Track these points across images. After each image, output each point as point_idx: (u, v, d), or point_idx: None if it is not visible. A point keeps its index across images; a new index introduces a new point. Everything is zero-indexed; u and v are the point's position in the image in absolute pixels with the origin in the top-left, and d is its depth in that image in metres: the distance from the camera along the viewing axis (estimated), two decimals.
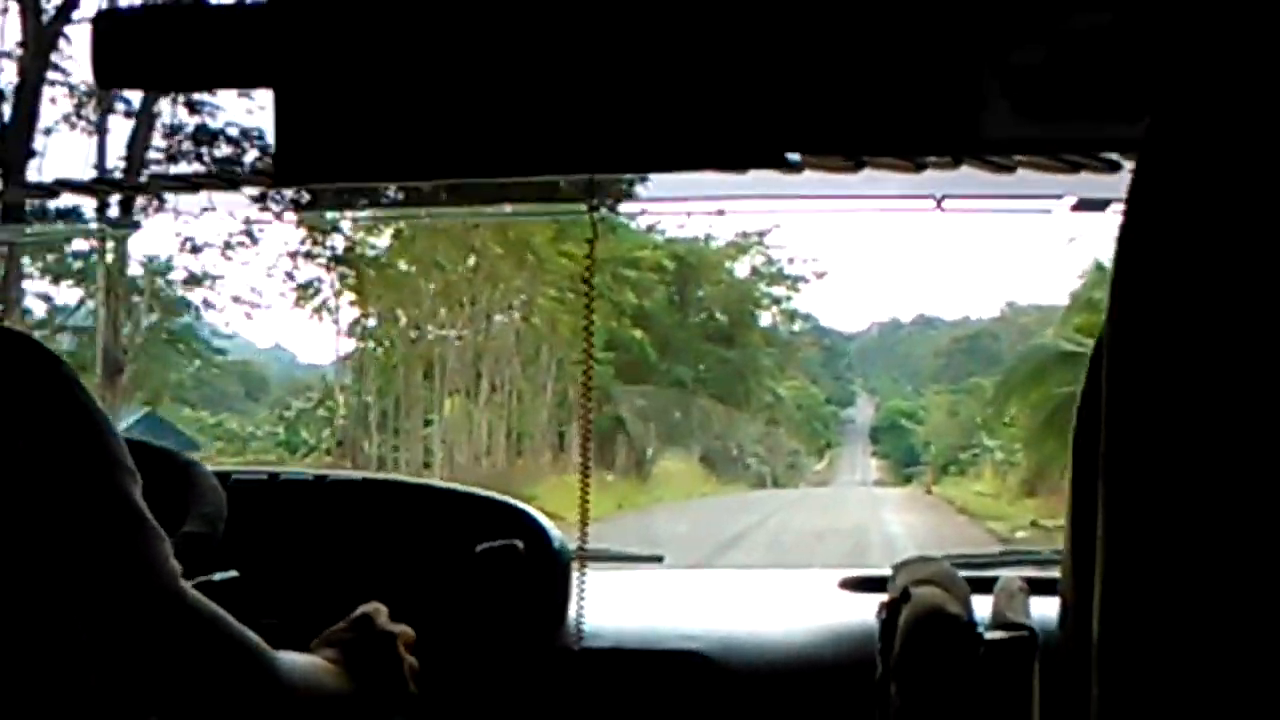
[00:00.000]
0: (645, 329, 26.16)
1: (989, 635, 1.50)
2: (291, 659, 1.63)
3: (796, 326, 34.26)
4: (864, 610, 2.10)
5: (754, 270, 29.61)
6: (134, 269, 20.21)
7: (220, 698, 1.52)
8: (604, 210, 2.02)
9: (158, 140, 17.25)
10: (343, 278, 22.50)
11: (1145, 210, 0.70)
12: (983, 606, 1.61)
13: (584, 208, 1.99)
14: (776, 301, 30.65)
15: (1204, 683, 0.65)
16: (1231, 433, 0.65)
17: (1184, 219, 0.67)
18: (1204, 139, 0.67)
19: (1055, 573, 2.15)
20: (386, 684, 1.78)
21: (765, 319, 30.98)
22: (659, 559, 2.71)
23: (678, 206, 2.31)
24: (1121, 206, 0.73)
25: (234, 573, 2.04)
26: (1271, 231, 0.64)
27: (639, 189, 2.25)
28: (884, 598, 1.76)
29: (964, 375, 33.37)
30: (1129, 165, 1.89)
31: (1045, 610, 1.62)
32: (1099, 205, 2.07)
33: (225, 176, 2.18)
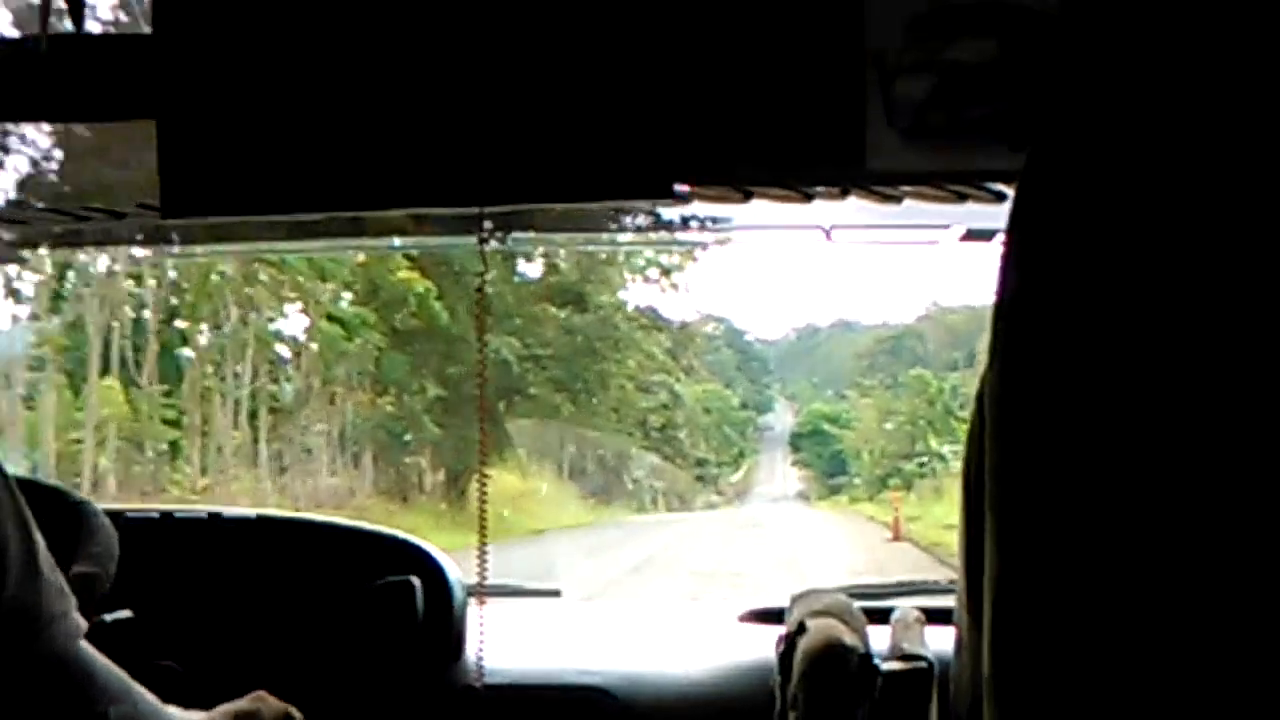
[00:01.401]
0: (432, 276, 17.23)
1: (885, 666, 1.51)
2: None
3: (710, 328, 30.80)
4: (764, 643, 2.10)
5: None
6: None
7: None
8: (494, 242, 2.01)
9: None
10: None
11: (1027, 233, 0.70)
12: (879, 637, 1.61)
13: (474, 240, 1.98)
14: (666, 272, 22.00)
15: (1095, 711, 0.65)
16: (1117, 453, 0.65)
17: (1066, 240, 0.67)
18: (1087, 166, 0.68)
19: (948, 602, 2.18)
20: None
21: (657, 301, 25.92)
22: (557, 593, 2.70)
23: (569, 238, 2.30)
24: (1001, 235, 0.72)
25: (127, 613, 2.01)
26: (1157, 254, 0.64)
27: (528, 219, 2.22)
28: (783, 630, 1.76)
29: (889, 378, 29.66)
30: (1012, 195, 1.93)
31: (942, 640, 1.63)
32: (986, 235, 2.09)
33: (110, 210, 2.14)
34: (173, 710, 1.56)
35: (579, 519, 20.30)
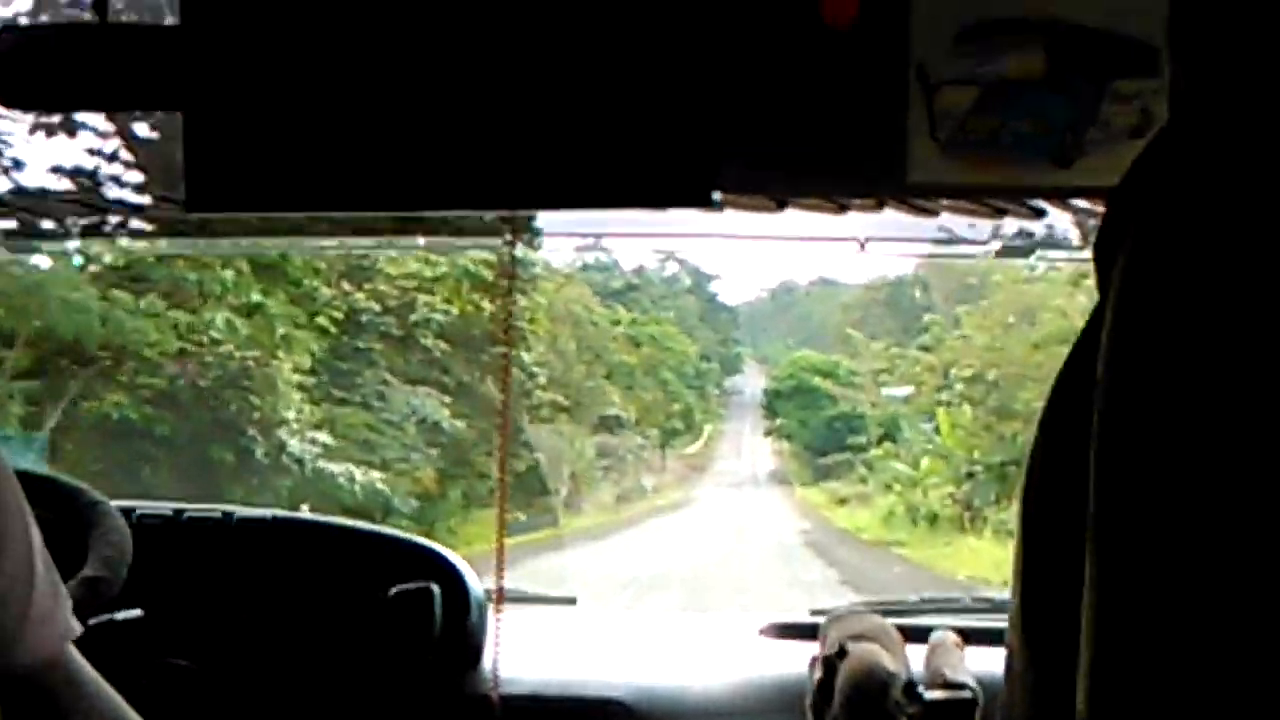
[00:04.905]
0: None
1: (929, 695, 1.48)
2: None
3: (669, 270, 24.49)
4: (784, 659, 2.07)
5: None
6: None
7: None
8: (520, 245, 1.99)
9: None
10: None
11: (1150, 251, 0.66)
12: (914, 657, 1.58)
13: (499, 242, 1.95)
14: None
15: None
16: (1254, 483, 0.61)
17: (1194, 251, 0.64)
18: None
19: (977, 621, 2.15)
20: None
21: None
22: (572, 601, 2.67)
23: (598, 244, 2.27)
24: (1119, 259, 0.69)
25: (138, 611, 1.99)
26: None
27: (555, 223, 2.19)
28: (806, 646, 1.73)
29: (881, 333, 21.91)
30: (1054, 211, 1.90)
31: (977, 663, 1.60)
32: (1024, 252, 2.06)
33: (130, 204, 2.12)
34: None
35: None
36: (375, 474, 14.16)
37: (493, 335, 14.89)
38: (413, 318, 15.60)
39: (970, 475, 14.58)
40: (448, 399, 15.47)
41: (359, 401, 15.15)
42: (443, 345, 15.75)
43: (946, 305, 19.61)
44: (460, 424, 15.34)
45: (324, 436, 14.09)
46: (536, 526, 14.54)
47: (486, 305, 15.54)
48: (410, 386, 15.48)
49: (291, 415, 13.93)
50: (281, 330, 13.99)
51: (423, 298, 15.52)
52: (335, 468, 13.91)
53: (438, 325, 15.74)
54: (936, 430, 16.43)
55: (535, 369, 16.43)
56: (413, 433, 15.24)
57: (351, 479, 13.86)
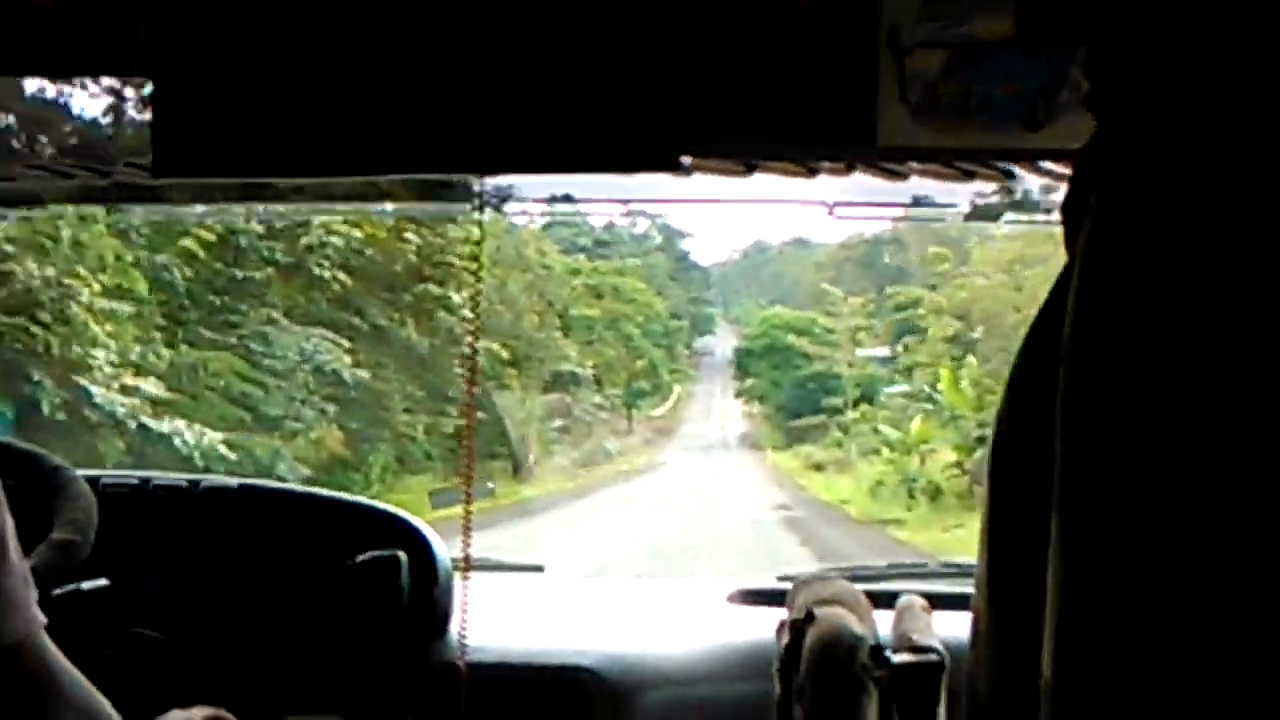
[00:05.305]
0: None
1: (896, 658, 1.48)
2: None
3: (639, 227, 23.39)
4: (752, 624, 2.07)
5: None
6: None
7: None
8: (489, 210, 1.97)
9: None
10: None
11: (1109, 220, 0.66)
12: (881, 622, 1.59)
13: (468, 207, 1.94)
14: None
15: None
16: (1205, 455, 0.61)
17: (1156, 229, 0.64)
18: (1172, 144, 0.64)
19: (945, 587, 2.16)
20: None
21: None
22: (540, 568, 2.66)
23: (567, 207, 2.26)
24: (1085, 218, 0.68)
25: (104, 581, 1.97)
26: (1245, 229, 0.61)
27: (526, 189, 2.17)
28: (774, 611, 1.73)
29: (857, 291, 20.59)
30: (1023, 175, 1.90)
31: (943, 627, 1.61)
32: (992, 214, 2.06)
33: (96, 168, 2.09)
34: None
35: None
36: (216, 435, 11.25)
37: (419, 271, 13.29)
38: (305, 241, 12.81)
39: (981, 440, 11.94)
40: (347, 344, 13.00)
41: (233, 344, 12.43)
42: (343, 278, 13.14)
43: (923, 264, 17.60)
44: (364, 374, 13.01)
45: (150, 387, 11.19)
46: (476, 495, 12.94)
47: (411, 236, 13.07)
48: (302, 328, 12.78)
49: (102, 357, 10.87)
50: (69, 232, 10.45)
51: (318, 217, 11.40)
52: (163, 427, 11.05)
53: (337, 252, 13.05)
54: (935, 387, 14.24)
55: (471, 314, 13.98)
56: (305, 384, 12.69)
57: (187, 442, 10.98)
